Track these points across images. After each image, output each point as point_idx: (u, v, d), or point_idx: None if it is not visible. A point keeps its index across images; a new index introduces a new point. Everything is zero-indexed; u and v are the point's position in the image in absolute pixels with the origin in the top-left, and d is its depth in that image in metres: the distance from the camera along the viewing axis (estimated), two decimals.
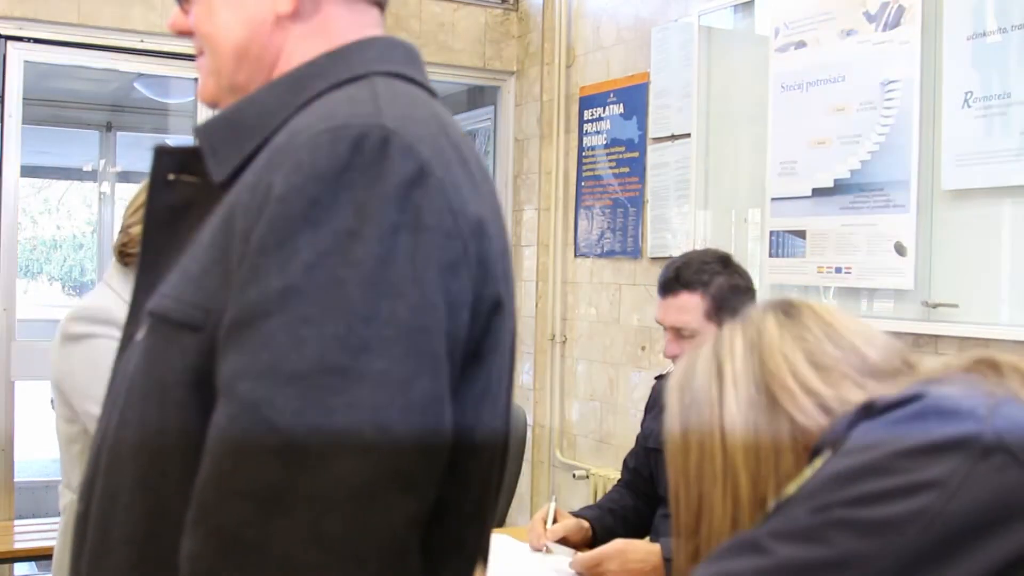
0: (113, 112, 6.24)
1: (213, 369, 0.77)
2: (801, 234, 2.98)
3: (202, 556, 0.72)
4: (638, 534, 2.37)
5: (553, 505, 2.31)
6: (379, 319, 0.73)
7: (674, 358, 2.20)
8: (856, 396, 0.87)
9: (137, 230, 0.97)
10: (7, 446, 3.75)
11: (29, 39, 3.71)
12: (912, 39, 2.66)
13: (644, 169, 3.74)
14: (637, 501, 2.44)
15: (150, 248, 0.92)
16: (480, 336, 0.83)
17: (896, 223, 2.68)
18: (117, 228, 2.31)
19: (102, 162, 6.33)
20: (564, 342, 4.21)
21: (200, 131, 0.90)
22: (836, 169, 2.87)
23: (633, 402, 3.76)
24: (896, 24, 2.71)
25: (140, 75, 5.04)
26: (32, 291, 10.13)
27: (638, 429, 2.55)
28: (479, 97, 4.85)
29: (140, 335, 0.87)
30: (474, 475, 0.86)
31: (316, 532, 0.70)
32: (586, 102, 4.08)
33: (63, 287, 10.83)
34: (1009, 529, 0.73)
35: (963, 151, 2.51)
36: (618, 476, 2.58)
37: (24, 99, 3.75)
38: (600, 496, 3.77)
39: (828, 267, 2.89)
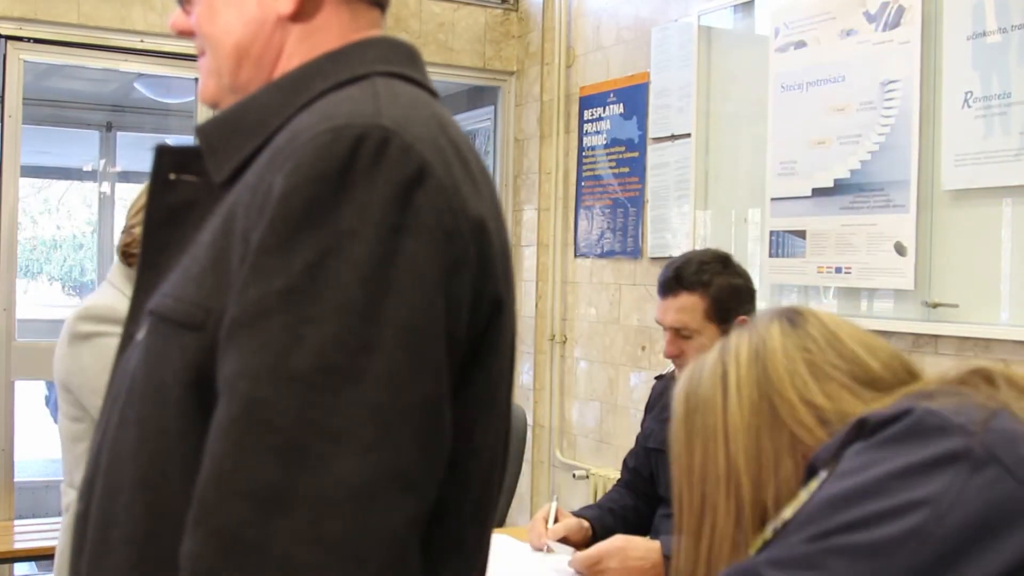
0: (113, 112, 6.24)
1: (213, 369, 0.77)
2: (801, 234, 2.98)
3: (202, 556, 0.72)
4: (638, 534, 2.37)
5: (555, 504, 2.31)
6: (380, 319, 0.73)
7: (674, 358, 2.20)
8: (853, 408, 0.88)
9: (140, 230, 0.96)
10: (7, 446, 3.75)
11: (29, 39, 3.71)
12: (912, 39, 2.66)
13: (644, 169, 3.74)
14: (637, 501, 2.44)
15: (150, 248, 0.92)
16: (480, 336, 0.83)
17: (896, 223, 2.68)
18: (117, 228, 2.33)
19: (102, 162, 6.33)
20: (564, 342, 4.21)
21: (200, 131, 0.90)
22: (836, 169, 2.87)
23: (633, 402, 3.76)
24: (896, 24, 2.71)
25: (140, 75, 5.04)
26: (32, 291, 10.13)
27: (638, 429, 2.55)
28: (479, 97, 4.85)
29: (140, 335, 0.87)
30: (474, 475, 0.86)
31: (316, 532, 0.70)
32: (586, 102, 4.08)
33: (63, 287, 10.83)
34: (1005, 540, 0.73)
35: (963, 151, 2.51)
36: (618, 476, 2.58)
37: (24, 99, 3.76)
38: (600, 496, 3.77)
39: (828, 267, 2.89)
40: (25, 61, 3.75)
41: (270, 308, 0.73)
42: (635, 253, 3.79)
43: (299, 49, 0.91)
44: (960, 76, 2.53)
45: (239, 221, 0.79)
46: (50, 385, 7.26)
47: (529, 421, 3.91)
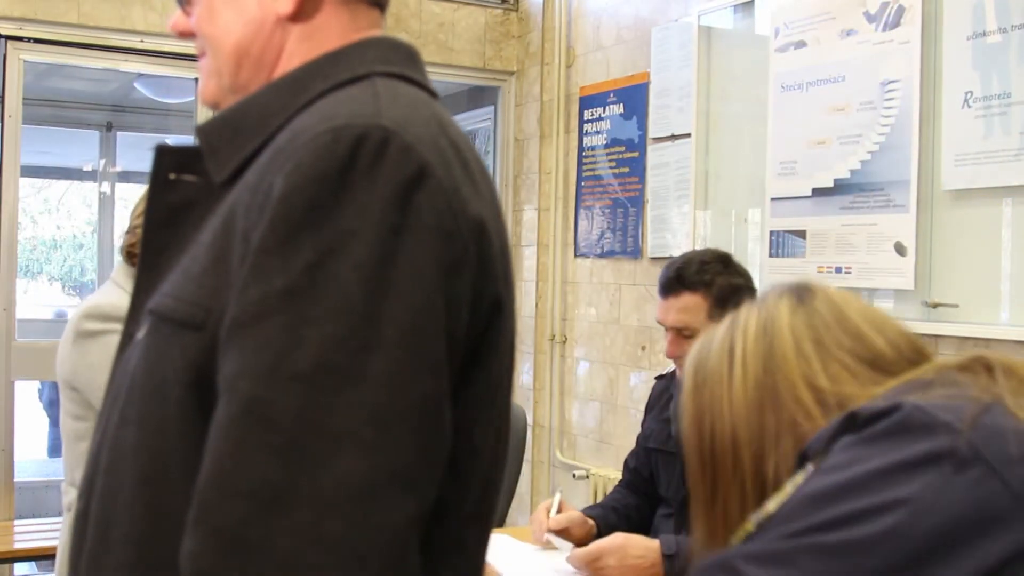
0: (113, 112, 6.24)
1: (214, 368, 0.77)
2: (801, 234, 2.98)
3: (202, 555, 0.72)
4: (640, 532, 2.37)
5: (558, 496, 2.31)
6: (380, 319, 0.74)
7: (676, 358, 2.20)
8: (853, 392, 0.88)
9: None
10: (7, 446, 3.75)
11: (29, 39, 3.71)
12: (912, 39, 2.66)
13: (644, 169, 3.74)
14: (639, 500, 2.44)
15: (151, 248, 0.92)
16: (480, 336, 0.83)
17: (896, 223, 2.68)
18: (117, 228, 2.34)
19: (102, 162, 6.33)
20: (564, 342, 4.21)
21: (201, 131, 0.91)
22: (836, 169, 2.87)
23: (633, 402, 3.76)
24: (896, 24, 2.71)
25: (140, 75, 5.04)
26: (32, 291, 10.13)
27: (638, 429, 2.55)
28: (479, 97, 4.85)
29: (140, 334, 0.87)
30: (474, 475, 0.86)
31: (316, 532, 0.70)
32: (586, 102, 4.08)
33: (63, 287, 10.83)
34: (984, 543, 0.73)
35: (963, 151, 2.51)
36: (618, 476, 2.58)
37: (24, 99, 3.76)
38: (600, 496, 3.77)
39: (828, 267, 2.89)
40: (25, 61, 3.75)
41: (270, 308, 0.74)
42: (635, 253, 3.79)
43: (299, 49, 0.91)
44: (960, 76, 2.53)
45: (239, 221, 0.79)
46: (43, 384, 7.27)
47: (529, 421, 3.91)
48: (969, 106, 2.50)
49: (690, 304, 2.15)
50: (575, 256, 4.15)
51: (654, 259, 3.67)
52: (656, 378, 2.57)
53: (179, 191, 0.91)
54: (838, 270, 2.86)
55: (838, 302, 0.95)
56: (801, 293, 0.96)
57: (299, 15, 0.91)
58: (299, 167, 0.76)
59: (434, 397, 0.76)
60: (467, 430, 0.83)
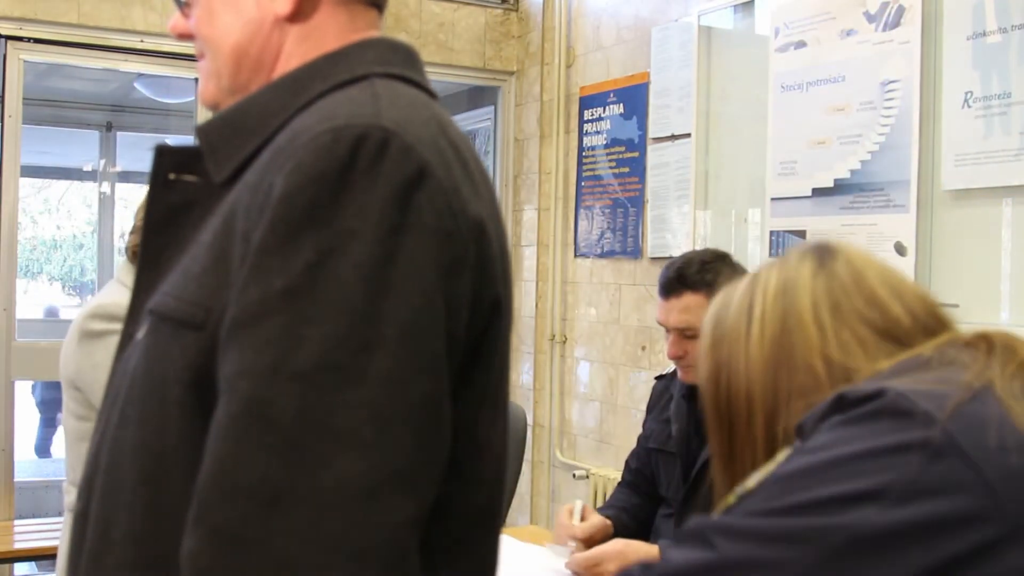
0: (113, 112, 6.24)
1: (214, 368, 0.77)
2: (801, 234, 2.98)
3: (202, 554, 0.72)
4: (647, 531, 2.37)
5: (580, 503, 2.29)
6: (380, 319, 0.74)
7: (678, 359, 2.19)
8: (860, 366, 0.89)
9: None
10: (7, 446, 3.75)
11: (29, 39, 3.71)
12: (912, 39, 2.66)
13: (644, 169, 3.74)
14: (642, 500, 2.44)
15: (150, 247, 0.93)
16: (479, 336, 0.83)
17: (896, 223, 2.68)
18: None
19: (102, 162, 6.33)
20: (564, 342, 4.21)
21: (200, 131, 0.91)
22: (836, 169, 2.87)
23: (633, 402, 3.76)
24: (896, 24, 2.71)
25: (140, 75, 5.04)
26: (32, 291, 10.12)
27: (638, 429, 2.55)
28: (479, 97, 4.85)
29: (140, 334, 0.87)
30: (477, 474, 0.86)
31: (316, 531, 0.70)
32: (586, 102, 4.08)
33: (63, 287, 10.83)
34: (959, 532, 0.72)
35: (963, 151, 2.51)
36: (618, 476, 2.58)
37: (24, 99, 3.76)
38: (599, 496, 3.77)
39: None
40: (25, 61, 3.75)
41: (271, 308, 0.74)
42: (635, 253, 3.79)
43: (298, 50, 0.91)
44: (960, 76, 2.53)
45: (239, 221, 0.79)
46: (36, 384, 7.27)
47: (529, 421, 3.91)
48: (969, 106, 2.50)
49: (692, 304, 2.15)
50: (575, 256, 4.15)
51: (654, 259, 3.67)
52: (656, 378, 2.57)
53: (179, 191, 0.91)
54: None
55: (858, 266, 0.95)
56: (823, 254, 0.96)
57: (297, 16, 0.91)
58: (299, 167, 0.76)
59: (434, 396, 0.76)
60: (469, 429, 0.83)
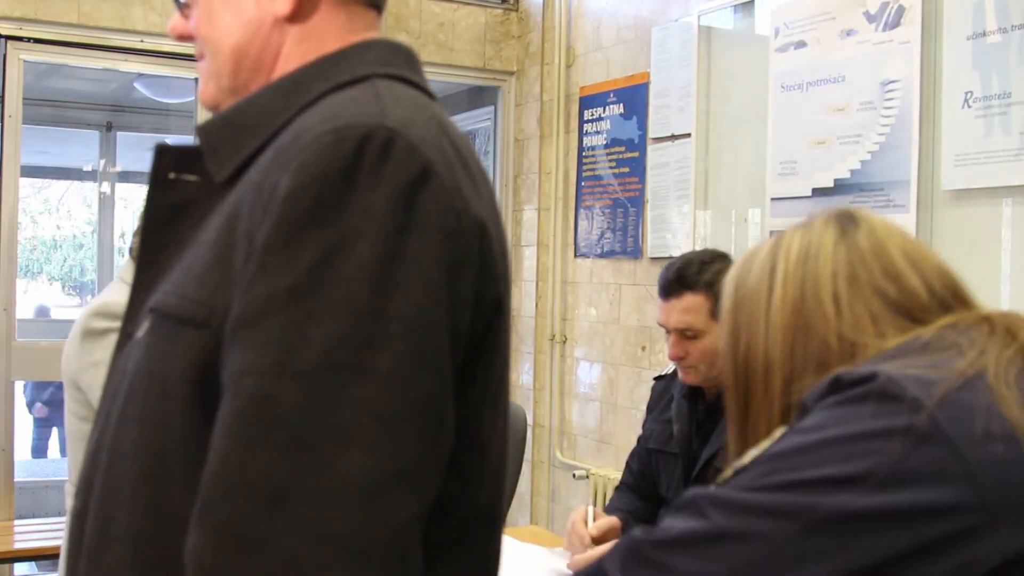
0: (113, 112, 6.24)
1: (217, 366, 0.78)
2: None
3: (206, 550, 0.72)
4: None
5: (591, 509, 2.29)
6: (384, 317, 0.74)
7: (679, 360, 2.19)
8: (867, 342, 0.90)
9: None
10: (7, 446, 3.75)
11: (29, 39, 3.71)
12: (912, 39, 2.66)
13: (644, 169, 3.74)
14: (645, 503, 2.43)
15: (150, 247, 0.93)
16: (481, 335, 0.84)
17: (896, 223, 2.68)
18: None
19: (102, 162, 6.33)
20: (564, 342, 4.21)
21: (202, 130, 0.91)
22: (836, 169, 2.87)
23: (633, 402, 3.76)
24: (896, 24, 2.71)
25: (140, 75, 5.04)
26: (32, 291, 10.12)
27: (638, 429, 2.55)
28: (479, 97, 4.85)
29: (140, 333, 0.87)
30: (477, 472, 0.86)
31: (320, 528, 0.71)
32: (586, 102, 4.08)
33: (63, 287, 10.83)
34: (933, 521, 0.74)
35: (963, 151, 2.52)
36: (618, 476, 2.57)
37: (24, 99, 3.76)
38: (599, 496, 3.77)
39: None
40: (25, 61, 3.75)
41: (276, 306, 0.74)
42: (635, 253, 3.79)
43: (297, 50, 0.92)
44: (960, 76, 2.53)
45: (243, 219, 0.80)
46: (26, 385, 7.26)
47: (529, 421, 3.91)
48: (969, 106, 2.50)
49: (692, 305, 2.15)
50: (575, 256, 4.15)
51: (654, 259, 3.67)
52: (655, 379, 2.56)
53: (179, 190, 0.92)
54: None
55: (880, 236, 0.96)
56: (846, 222, 0.98)
57: (297, 16, 0.92)
58: (304, 166, 0.77)
59: (438, 395, 0.76)
60: (470, 428, 0.83)
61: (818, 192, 2.92)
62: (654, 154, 3.69)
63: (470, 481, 0.85)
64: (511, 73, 4.55)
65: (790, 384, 0.93)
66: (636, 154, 3.79)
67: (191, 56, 1.01)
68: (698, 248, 3.28)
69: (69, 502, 2.14)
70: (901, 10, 2.69)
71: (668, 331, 2.20)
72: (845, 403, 0.81)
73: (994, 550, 0.74)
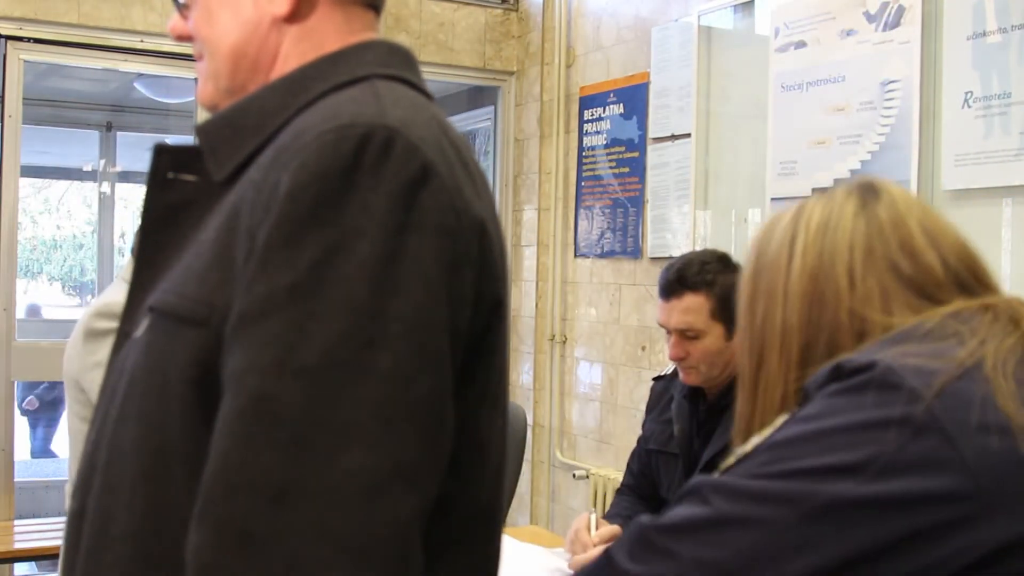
0: (113, 112, 6.24)
1: (217, 364, 0.78)
2: None
3: (207, 549, 0.72)
4: None
5: (595, 516, 2.29)
6: (385, 316, 0.74)
7: (680, 361, 2.19)
8: (874, 318, 0.92)
9: None
10: (7, 446, 3.75)
11: (29, 39, 3.71)
12: (912, 39, 2.66)
13: (644, 169, 3.74)
14: (647, 507, 2.42)
15: (148, 246, 0.93)
16: (481, 335, 0.84)
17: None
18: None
19: (102, 162, 6.33)
20: (564, 342, 4.21)
21: (201, 130, 0.91)
22: (836, 169, 2.87)
23: (633, 402, 3.76)
24: (896, 24, 2.71)
25: (140, 75, 5.04)
26: (32, 291, 10.12)
27: (638, 429, 2.55)
28: (479, 97, 4.85)
29: (139, 332, 0.87)
30: (476, 471, 0.87)
31: (322, 526, 0.71)
32: (586, 102, 4.09)
33: (63, 287, 10.83)
34: (929, 510, 0.75)
35: (963, 151, 2.52)
36: (618, 476, 2.57)
37: (24, 99, 3.76)
38: (599, 496, 3.77)
39: None
40: (25, 61, 3.75)
41: (277, 304, 0.74)
42: (635, 253, 3.79)
43: (295, 50, 0.92)
44: (960, 76, 2.53)
45: (243, 218, 0.80)
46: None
47: (529, 421, 3.91)
48: (969, 106, 2.50)
49: (693, 305, 2.15)
50: (575, 256, 4.15)
51: (654, 259, 3.67)
52: (654, 379, 2.56)
53: (177, 190, 0.92)
54: None
55: (901, 210, 0.97)
56: (867, 194, 0.99)
57: (295, 16, 0.92)
58: (304, 165, 0.77)
59: (438, 393, 0.77)
60: (469, 427, 0.83)
61: (818, 192, 2.92)
62: (654, 154, 3.69)
63: (470, 480, 0.85)
64: (511, 73, 4.55)
65: (809, 351, 0.94)
66: (636, 154, 3.79)
67: (191, 56, 1.02)
68: (698, 248, 3.28)
69: (69, 503, 2.13)
70: (901, 10, 2.69)
71: (668, 331, 2.20)
72: (845, 392, 0.82)
73: (986, 538, 0.75)
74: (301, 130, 0.81)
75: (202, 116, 0.96)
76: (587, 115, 4.07)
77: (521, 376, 4.47)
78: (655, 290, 2.31)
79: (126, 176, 6.57)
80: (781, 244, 0.99)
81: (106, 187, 6.32)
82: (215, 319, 0.79)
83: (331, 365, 0.73)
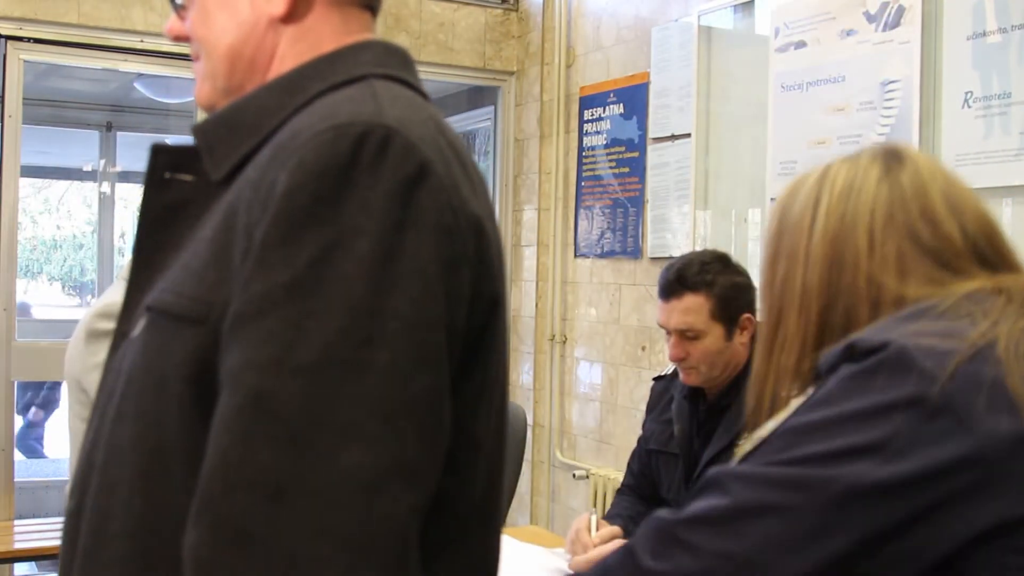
0: (113, 112, 6.24)
1: (214, 362, 0.78)
2: None
3: (205, 546, 0.72)
4: None
5: (595, 516, 2.29)
6: (383, 313, 0.74)
7: (680, 361, 2.19)
8: (889, 284, 0.93)
9: None
10: (7, 446, 3.75)
11: (29, 39, 3.71)
12: (912, 39, 2.66)
13: (644, 169, 3.74)
14: (647, 507, 2.42)
15: (145, 246, 0.93)
16: (478, 333, 0.84)
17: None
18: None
19: (102, 162, 6.33)
20: (564, 342, 4.21)
21: (198, 129, 0.91)
22: None
23: (633, 402, 3.76)
24: (896, 24, 2.71)
25: (140, 75, 5.04)
26: (32, 291, 10.12)
27: (638, 429, 2.55)
28: (479, 97, 4.85)
29: (136, 331, 0.87)
30: (472, 469, 0.87)
31: (320, 523, 0.71)
32: (586, 102, 4.08)
33: (63, 287, 10.83)
34: (943, 480, 0.77)
35: (963, 151, 2.51)
36: (618, 476, 2.57)
37: (24, 99, 3.75)
38: (599, 496, 3.77)
39: None
40: (25, 61, 3.75)
41: (275, 301, 0.74)
42: (635, 253, 3.79)
43: (292, 51, 0.92)
44: (960, 76, 2.53)
45: (241, 217, 0.80)
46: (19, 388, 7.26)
47: (529, 421, 3.91)
48: (969, 106, 2.50)
49: (693, 305, 2.15)
50: (575, 256, 4.15)
51: (654, 259, 3.67)
52: (654, 379, 2.56)
53: (174, 190, 0.92)
54: None
55: (924, 179, 0.98)
56: (891, 160, 1.00)
57: (291, 17, 0.92)
58: (302, 163, 0.77)
59: (435, 390, 0.77)
60: (466, 424, 0.83)
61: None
62: (654, 154, 3.69)
63: (467, 478, 0.86)
64: (511, 73, 4.55)
65: (828, 312, 0.95)
66: (636, 154, 3.79)
67: (191, 56, 1.02)
68: (698, 248, 3.28)
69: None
70: (901, 10, 2.69)
71: (668, 332, 2.20)
72: (859, 375, 0.83)
73: (995, 511, 0.77)
74: (298, 129, 0.81)
75: (202, 116, 0.96)
76: (587, 115, 4.07)
77: (521, 376, 4.47)
78: (655, 290, 2.31)
79: (126, 176, 6.57)
80: (805, 206, 1.00)
81: (106, 187, 6.31)
82: (212, 317, 0.79)
83: (329, 363, 0.73)
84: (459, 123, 4.98)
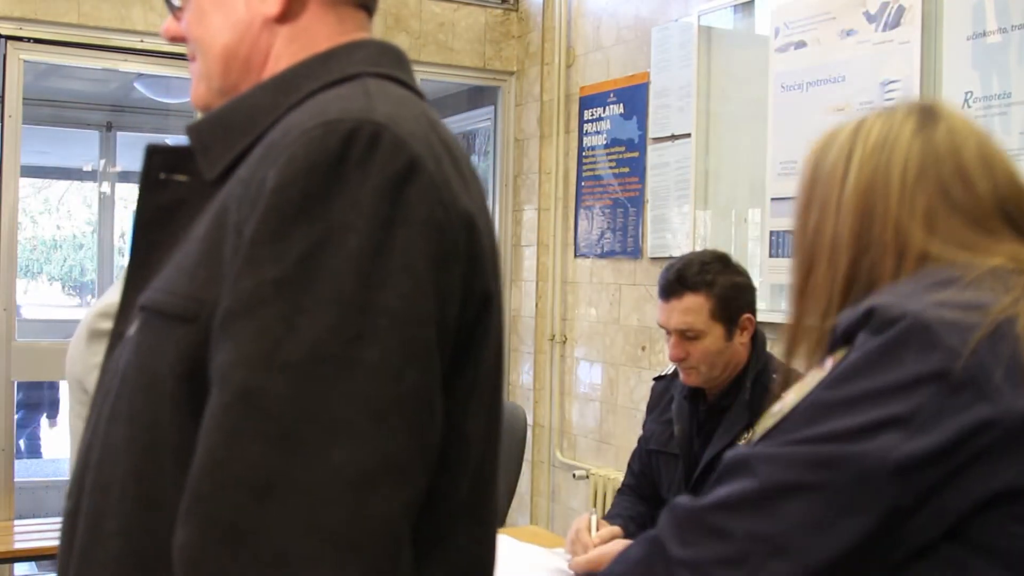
0: (113, 112, 6.24)
1: (207, 361, 0.78)
2: None
3: (194, 545, 0.72)
4: None
5: (595, 517, 2.28)
6: (372, 309, 0.74)
7: (680, 361, 2.19)
8: (916, 237, 0.94)
9: None
10: (7, 446, 3.75)
11: (29, 39, 3.71)
12: (912, 39, 2.66)
13: (644, 169, 3.74)
14: (648, 507, 2.42)
15: (140, 247, 0.93)
16: (469, 329, 0.84)
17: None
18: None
19: (102, 162, 6.33)
20: (564, 342, 4.21)
21: (192, 129, 0.92)
22: None
23: (633, 402, 3.76)
24: (896, 24, 2.71)
25: (140, 75, 5.04)
26: (32, 291, 10.12)
27: (638, 429, 2.54)
28: (479, 97, 4.85)
29: (131, 331, 0.87)
30: (463, 466, 0.86)
31: (311, 521, 0.71)
32: (586, 102, 4.08)
33: (63, 287, 10.83)
34: (967, 443, 0.79)
35: None
36: (618, 476, 2.57)
37: (24, 99, 3.75)
38: (599, 496, 3.77)
39: None
40: (25, 61, 3.75)
41: (264, 298, 0.74)
42: (635, 253, 3.79)
43: (287, 51, 0.92)
44: (960, 76, 2.53)
45: (231, 214, 0.80)
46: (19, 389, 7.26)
47: (529, 421, 3.91)
48: (969, 106, 2.50)
49: (693, 305, 2.15)
50: (575, 256, 4.15)
51: (654, 259, 3.67)
52: (655, 379, 2.56)
53: (169, 191, 0.92)
54: None
55: (958, 139, 0.98)
56: (926, 116, 1.00)
57: (286, 17, 0.92)
58: (292, 160, 0.77)
59: (426, 386, 0.77)
60: (457, 421, 0.83)
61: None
62: (654, 154, 3.69)
63: (459, 476, 0.85)
64: (511, 73, 4.55)
65: (857, 262, 0.96)
66: (636, 154, 3.79)
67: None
68: (698, 248, 3.28)
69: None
70: (901, 10, 2.69)
71: (668, 332, 2.20)
72: (882, 349, 0.83)
73: (1004, 476, 0.79)
74: (290, 127, 0.81)
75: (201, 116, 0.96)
76: (587, 115, 4.07)
77: (521, 376, 4.47)
78: (655, 290, 2.30)
79: (126, 176, 6.57)
80: (838, 157, 1.00)
81: (106, 187, 6.32)
82: (204, 315, 0.79)
83: (318, 359, 0.73)
84: (459, 123, 4.98)
